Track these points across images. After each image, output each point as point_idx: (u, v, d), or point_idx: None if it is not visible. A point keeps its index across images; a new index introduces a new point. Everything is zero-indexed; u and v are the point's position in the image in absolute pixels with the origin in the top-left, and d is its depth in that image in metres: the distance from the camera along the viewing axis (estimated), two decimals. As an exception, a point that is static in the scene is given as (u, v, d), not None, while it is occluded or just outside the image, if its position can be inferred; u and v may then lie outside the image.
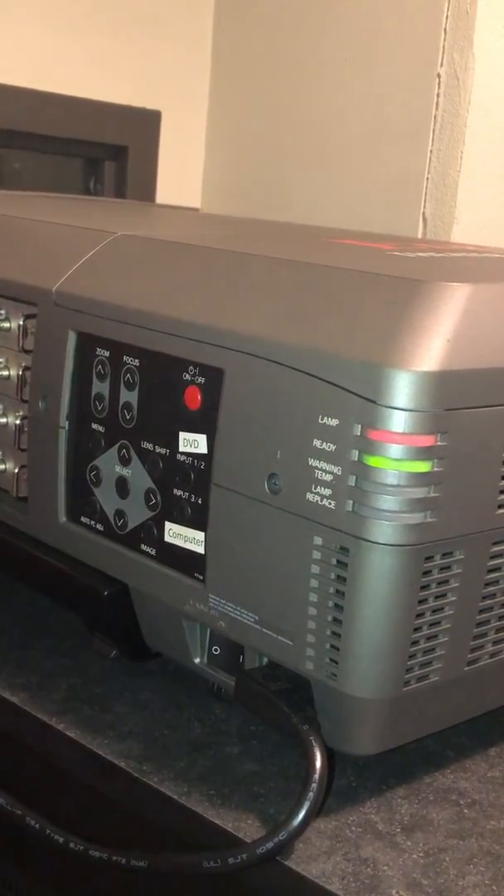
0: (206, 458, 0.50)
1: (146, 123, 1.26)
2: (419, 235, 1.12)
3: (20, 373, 0.60)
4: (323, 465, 0.45)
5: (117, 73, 1.22)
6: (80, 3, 1.17)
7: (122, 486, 0.55)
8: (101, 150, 1.25)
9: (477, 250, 0.68)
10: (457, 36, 1.06)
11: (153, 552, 0.53)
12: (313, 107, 1.21)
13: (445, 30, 1.07)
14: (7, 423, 0.62)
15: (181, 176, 1.32)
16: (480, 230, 1.11)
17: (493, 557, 0.48)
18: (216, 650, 0.54)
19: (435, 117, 1.09)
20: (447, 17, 1.07)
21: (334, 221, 1.16)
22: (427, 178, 1.10)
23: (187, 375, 0.51)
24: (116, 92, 1.22)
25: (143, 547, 0.54)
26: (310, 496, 0.45)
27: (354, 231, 0.86)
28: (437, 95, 1.09)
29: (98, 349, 0.55)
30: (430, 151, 1.10)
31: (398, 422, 0.43)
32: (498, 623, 0.50)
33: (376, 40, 1.14)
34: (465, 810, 0.51)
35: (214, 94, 1.32)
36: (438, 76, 1.09)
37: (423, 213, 1.11)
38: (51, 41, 1.16)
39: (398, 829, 0.49)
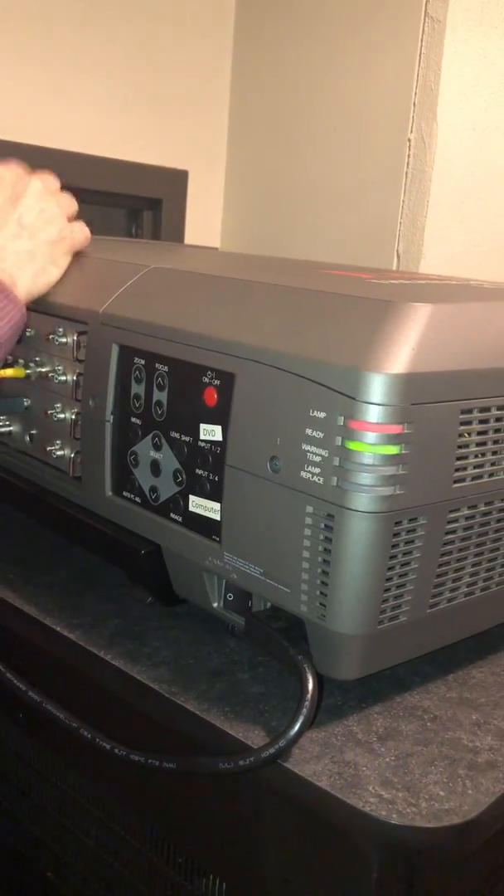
0: (222, 444, 0.50)
1: (176, 180, 1.26)
2: (394, 268, 1.11)
3: (74, 378, 0.60)
4: (313, 449, 0.45)
5: (152, 141, 1.22)
6: (123, 85, 1.17)
7: (155, 467, 0.55)
8: (140, 202, 1.25)
9: (439, 279, 0.67)
10: (423, 108, 1.06)
11: (180, 519, 0.53)
12: (310, 165, 1.21)
13: (414, 103, 1.06)
14: (65, 417, 0.62)
15: (205, 221, 1.32)
16: (444, 263, 1.10)
17: (449, 522, 0.48)
18: (230, 596, 0.54)
19: (406, 174, 1.09)
20: (416, 92, 1.06)
21: (326, 257, 1.15)
22: (400, 223, 1.10)
23: (206, 378, 0.51)
24: (152, 155, 1.22)
25: (172, 515, 0.54)
26: (303, 474, 0.45)
27: (341, 264, 0.85)
28: (408, 156, 1.08)
29: (136, 358, 0.55)
30: (402, 201, 1.10)
31: (373, 414, 0.43)
32: (454, 574, 0.50)
33: (359, 113, 1.13)
34: (429, 724, 0.50)
35: (231, 157, 1.32)
36: (409, 140, 1.08)
37: (397, 251, 1.11)
38: (99, 115, 1.16)
39: (374, 738, 0.49)
